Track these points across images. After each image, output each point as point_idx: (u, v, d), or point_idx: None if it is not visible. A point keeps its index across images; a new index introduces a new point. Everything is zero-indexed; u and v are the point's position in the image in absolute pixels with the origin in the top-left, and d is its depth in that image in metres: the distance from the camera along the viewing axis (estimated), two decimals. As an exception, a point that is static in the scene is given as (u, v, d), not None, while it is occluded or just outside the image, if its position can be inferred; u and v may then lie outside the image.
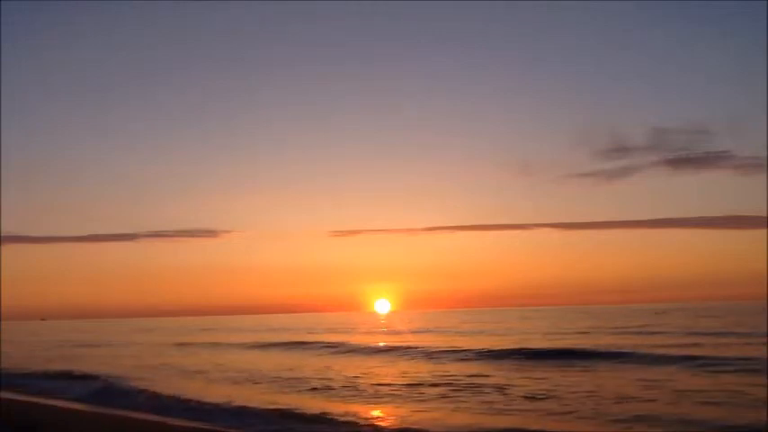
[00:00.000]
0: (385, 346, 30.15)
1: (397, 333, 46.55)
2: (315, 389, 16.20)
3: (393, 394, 14.89)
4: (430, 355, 24.97)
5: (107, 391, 16.94)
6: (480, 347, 25.95)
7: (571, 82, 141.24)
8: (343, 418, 11.56)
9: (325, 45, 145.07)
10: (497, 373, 18.02)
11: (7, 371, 22.68)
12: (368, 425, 11.25)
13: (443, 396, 14.29)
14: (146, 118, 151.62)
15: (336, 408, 12.83)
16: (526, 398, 13.60)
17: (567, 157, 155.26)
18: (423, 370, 19.90)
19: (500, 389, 14.86)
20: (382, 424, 11.48)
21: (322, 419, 11.59)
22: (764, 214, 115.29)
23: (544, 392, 14.17)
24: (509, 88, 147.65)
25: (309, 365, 22.61)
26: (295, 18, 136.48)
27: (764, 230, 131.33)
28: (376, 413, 12.63)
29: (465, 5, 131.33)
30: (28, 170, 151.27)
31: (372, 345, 31.88)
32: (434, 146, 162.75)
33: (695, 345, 25.34)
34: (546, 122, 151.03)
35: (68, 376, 20.54)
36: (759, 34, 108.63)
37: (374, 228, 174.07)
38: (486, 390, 14.84)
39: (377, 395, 14.92)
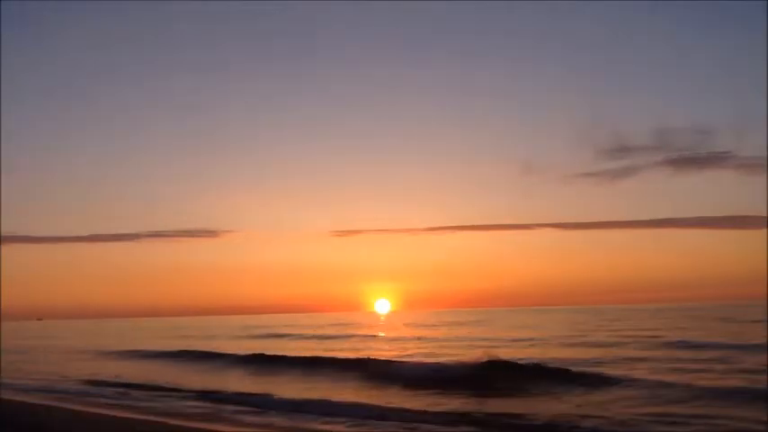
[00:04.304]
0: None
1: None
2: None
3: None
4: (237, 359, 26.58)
5: None
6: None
7: (573, 82, 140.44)
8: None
9: (326, 44, 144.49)
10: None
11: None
12: None
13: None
14: (146, 118, 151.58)
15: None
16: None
17: (569, 157, 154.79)
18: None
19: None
20: None
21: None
22: (765, 214, 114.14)
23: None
24: (511, 88, 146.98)
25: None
26: (295, 17, 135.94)
27: (765, 230, 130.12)
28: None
29: (466, 4, 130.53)
30: (28, 170, 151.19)
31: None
32: (436, 145, 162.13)
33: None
34: (548, 122, 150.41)
35: None
36: (760, 34, 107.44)
37: (375, 228, 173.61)
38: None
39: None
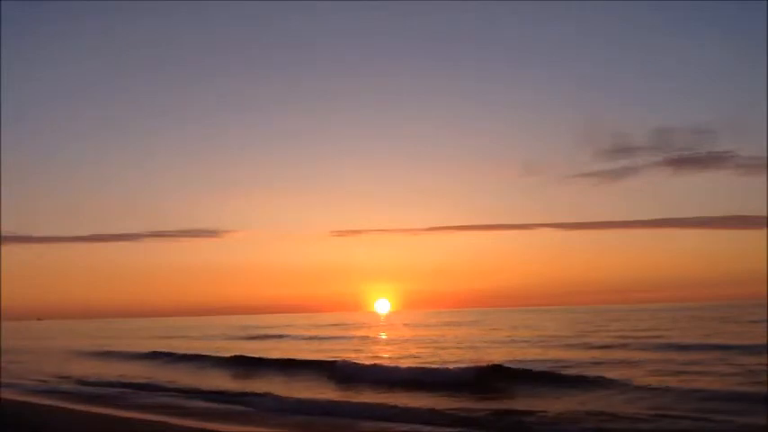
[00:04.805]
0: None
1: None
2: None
3: None
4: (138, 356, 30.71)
5: None
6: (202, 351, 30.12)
7: (573, 82, 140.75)
8: None
9: (325, 43, 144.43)
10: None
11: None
12: None
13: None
14: (147, 117, 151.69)
15: None
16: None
17: (569, 157, 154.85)
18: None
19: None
20: None
21: None
22: (765, 214, 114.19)
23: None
24: (511, 87, 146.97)
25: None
26: (296, 17, 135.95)
27: (765, 230, 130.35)
28: None
29: (466, 4, 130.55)
30: (28, 170, 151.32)
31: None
32: (436, 145, 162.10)
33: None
34: (548, 122, 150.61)
35: None
36: (760, 34, 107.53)
37: (375, 228, 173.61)
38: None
39: None
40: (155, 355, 30.86)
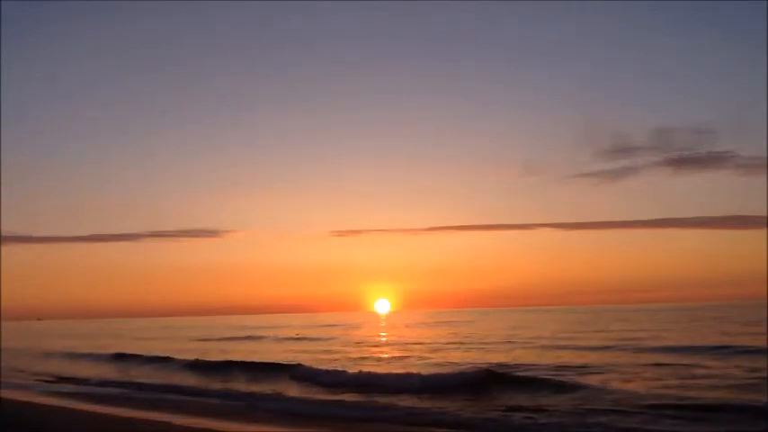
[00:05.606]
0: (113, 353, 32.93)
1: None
2: None
3: None
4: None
5: None
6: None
7: (574, 82, 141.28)
8: None
9: (325, 43, 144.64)
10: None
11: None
12: None
13: None
14: (147, 118, 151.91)
15: None
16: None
17: (569, 158, 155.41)
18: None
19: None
20: None
21: None
22: (765, 214, 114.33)
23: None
24: (511, 87, 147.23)
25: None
26: (297, 17, 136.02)
27: (765, 230, 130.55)
28: None
29: (466, 4, 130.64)
30: (28, 170, 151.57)
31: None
32: (436, 146, 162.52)
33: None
34: (548, 122, 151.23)
35: None
36: (760, 34, 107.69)
37: (375, 228, 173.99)
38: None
39: None
40: (120, 358, 30.37)
